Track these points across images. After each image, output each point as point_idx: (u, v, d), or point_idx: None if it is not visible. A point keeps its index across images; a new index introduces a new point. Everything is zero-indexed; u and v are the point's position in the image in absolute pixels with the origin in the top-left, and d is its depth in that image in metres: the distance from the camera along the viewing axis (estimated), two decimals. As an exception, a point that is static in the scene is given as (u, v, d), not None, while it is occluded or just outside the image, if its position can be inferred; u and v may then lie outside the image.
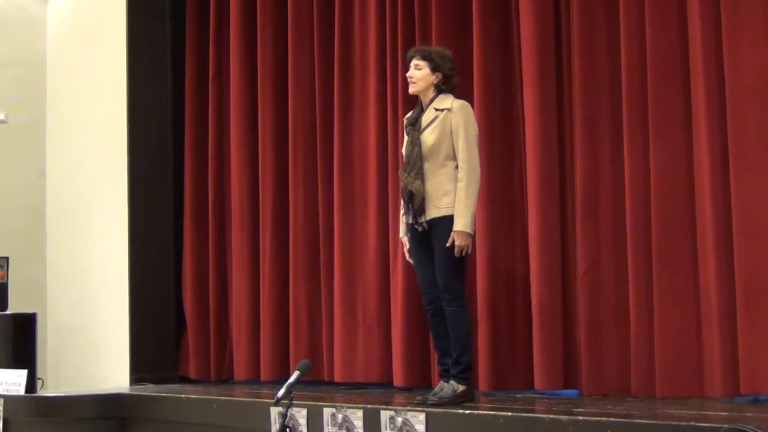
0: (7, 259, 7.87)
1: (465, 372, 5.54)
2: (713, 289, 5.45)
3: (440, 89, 5.66)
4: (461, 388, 5.51)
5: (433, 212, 5.52)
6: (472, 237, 5.55)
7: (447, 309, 5.54)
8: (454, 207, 5.49)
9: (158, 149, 8.52)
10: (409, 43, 6.78)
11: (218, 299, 8.23)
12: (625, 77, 5.85)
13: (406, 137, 5.72)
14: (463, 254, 5.51)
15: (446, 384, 5.56)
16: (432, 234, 5.54)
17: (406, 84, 5.85)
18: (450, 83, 5.69)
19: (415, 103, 5.81)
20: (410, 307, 6.68)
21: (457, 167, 5.54)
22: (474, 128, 5.62)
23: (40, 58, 9.44)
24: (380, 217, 7.03)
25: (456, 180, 5.52)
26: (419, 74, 5.65)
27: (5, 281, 7.82)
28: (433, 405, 5.40)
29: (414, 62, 5.68)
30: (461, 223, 5.47)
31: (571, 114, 6.18)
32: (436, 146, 5.55)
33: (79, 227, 8.97)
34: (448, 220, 5.48)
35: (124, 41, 8.49)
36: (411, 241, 5.69)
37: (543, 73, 6.19)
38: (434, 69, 5.64)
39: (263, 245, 7.83)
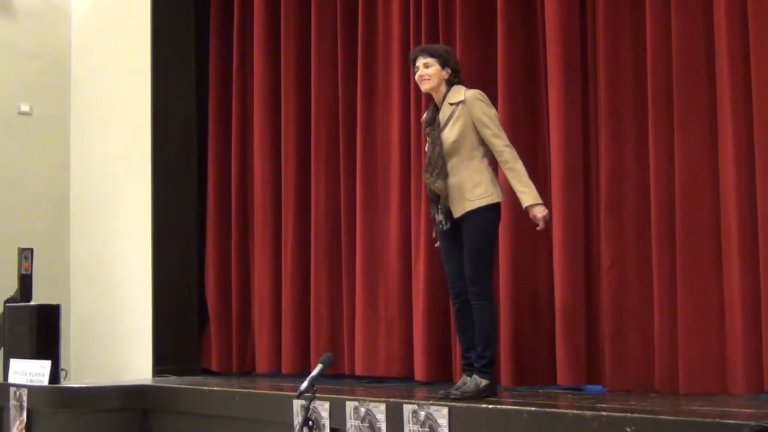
0: (31, 250, 7.89)
1: (488, 366, 5.53)
2: (737, 285, 5.42)
3: (451, 83, 5.67)
4: (484, 382, 5.50)
5: (465, 205, 5.50)
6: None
7: (474, 302, 5.52)
8: (485, 198, 5.49)
9: (182, 142, 8.53)
10: (432, 36, 6.77)
11: (240, 292, 8.24)
12: (651, 70, 5.82)
13: (428, 138, 5.70)
14: (545, 222, 5.50)
15: (469, 378, 5.55)
16: (463, 227, 5.53)
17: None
18: (459, 76, 5.71)
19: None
20: (432, 300, 6.67)
21: (484, 156, 5.55)
22: (493, 111, 5.64)
23: (64, 51, 9.45)
24: (402, 211, 7.01)
25: (485, 170, 5.53)
26: (431, 71, 5.65)
27: (30, 273, 7.84)
28: (455, 399, 5.38)
29: (422, 61, 5.67)
30: (529, 198, 5.47)
31: (596, 107, 6.15)
32: (459, 141, 5.54)
33: (103, 219, 8.98)
34: (479, 212, 5.47)
35: (149, 33, 8.50)
36: (440, 234, 5.68)
37: (568, 65, 6.16)
38: (444, 65, 5.66)
39: (285, 238, 7.83)
